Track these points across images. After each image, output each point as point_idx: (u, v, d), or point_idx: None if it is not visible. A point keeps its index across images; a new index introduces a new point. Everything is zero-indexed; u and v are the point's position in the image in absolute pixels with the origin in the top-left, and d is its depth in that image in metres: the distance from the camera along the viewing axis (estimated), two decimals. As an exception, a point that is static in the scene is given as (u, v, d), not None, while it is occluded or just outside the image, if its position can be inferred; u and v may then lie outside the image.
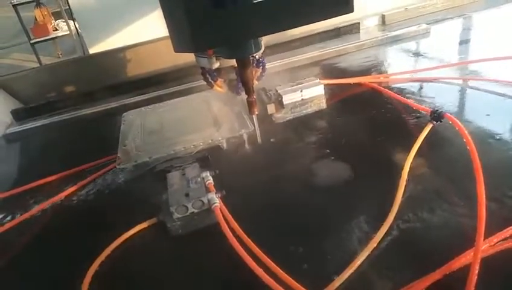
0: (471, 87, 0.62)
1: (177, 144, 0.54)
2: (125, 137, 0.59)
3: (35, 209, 0.51)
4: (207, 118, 0.61)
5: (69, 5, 1.29)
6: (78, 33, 1.55)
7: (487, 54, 0.68)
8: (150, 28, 1.15)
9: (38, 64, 2.67)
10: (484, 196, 0.36)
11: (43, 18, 2.84)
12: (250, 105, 0.49)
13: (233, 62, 0.52)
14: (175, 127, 0.60)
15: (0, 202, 0.54)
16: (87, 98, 0.88)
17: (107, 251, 0.41)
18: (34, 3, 2.82)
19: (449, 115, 0.47)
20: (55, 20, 2.94)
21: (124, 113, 0.67)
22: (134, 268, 0.40)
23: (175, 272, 0.39)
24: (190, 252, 0.40)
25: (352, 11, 0.37)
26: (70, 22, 2.70)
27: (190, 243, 0.41)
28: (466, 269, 0.32)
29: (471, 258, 0.32)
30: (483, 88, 0.61)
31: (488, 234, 0.34)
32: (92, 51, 1.28)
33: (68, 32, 2.76)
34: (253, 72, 0.55)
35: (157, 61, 0.98)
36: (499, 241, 0.34)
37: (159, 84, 0.89)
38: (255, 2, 0.36)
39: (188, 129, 0.58)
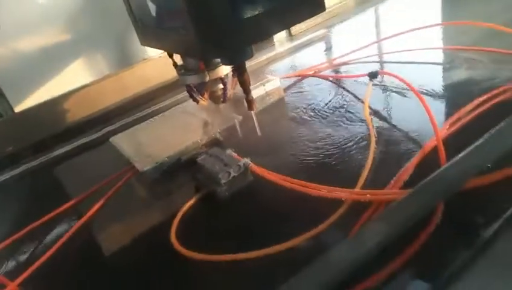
0: (382, 61, 0.85)
1: (183, 143, 0.63)
2: (130, 152, 0.66)
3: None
4: (195, 121, 0.71)
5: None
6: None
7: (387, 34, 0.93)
8: (76, 76, 1.19)
9: None
10: (426, 101, 0.55)
11: None
12: (250, 103, 0.57)
13: (218, 74, 0.62)
14: (171, 134, 0.69)
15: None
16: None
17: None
18: None
19: (382, 70, 0.66)
20: None
21: (111, 138, 0.73)
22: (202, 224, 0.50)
23: (236, 219, 0.49)
24: (242, 205, 0.51)
25: (324, 9, 0.49)
26: None
27: (238, 200, 0.52)
28: (436, 150, 0.49)
29: (435, 141, 0.50)
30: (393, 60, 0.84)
31: (440, 125, 0.53)
32: (18, 109, 1.26)
33: None
34: (235, 81, 0.66)
35: (90, 105, 1.03)
36: (448, 127, 0.52)
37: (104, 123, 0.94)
38: (255, 13, 0.46)
39: (184, 132, 0.68)
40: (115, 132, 0.77)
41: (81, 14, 1.04)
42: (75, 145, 0.83)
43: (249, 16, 0.46)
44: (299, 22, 0.51)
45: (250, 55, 0.54)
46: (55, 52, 1.25)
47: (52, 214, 0.59)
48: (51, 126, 0.95)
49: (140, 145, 0.68)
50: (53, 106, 1.00)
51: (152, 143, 0.68)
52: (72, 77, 1.20)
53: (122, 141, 0.71)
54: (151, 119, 0.78)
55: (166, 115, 0.78)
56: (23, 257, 0.52)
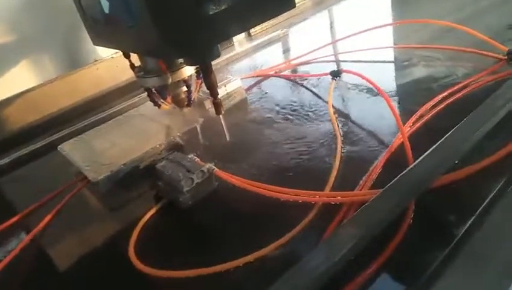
0: (341, 60, 0.84)
1: (141, 149, 0.59)
2: (81, 160, 0.60)
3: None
4: (153, 125, 0.67)
5: None
6: None
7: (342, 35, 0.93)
8: (19, 79, 1.10)
9: None
10: (390, 100, 0.54)
11: None
12: (217, 106, 0.52)
13: (181, 76, 0.58)
14: (127, 140, 0.64)
15: None
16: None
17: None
18: None
19: (346, 69, 0.66)
20: None
21: (60, 146, 0.67)
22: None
23: (201, 229, 0.46)
24: (208, 214, 0.48)
25: (294, 6, 0.47)
26: None
27: (203, 208, 0.48)
28: (402, 147, 0.48)
29: (401, 138, 0.49)
30: (353, 59, 0.84)
31: (404, 122, 0.52)
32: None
33: None
34: (199, 83, 0.62)
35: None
36: (411, 124, 0.52)
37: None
38: (222, 8, 0.42)
39: (141, 137, 0.63)
40: (63, 139, 0.71)
41: (24, 12, 0.95)
42: (18, 154, 0.75)
43: (218, 10, 0.42)
44: (269, 18, 0.47)
45: (217, 55, 0.49)
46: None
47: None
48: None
49: (92, 152, 0.62)
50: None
51: (106, 150, 0.62)
52: (16, 80, 1.10)
53: (72, 149, 0.65)
54: (104, 124, 0.72)
55: (121, 119, 0.73)
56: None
